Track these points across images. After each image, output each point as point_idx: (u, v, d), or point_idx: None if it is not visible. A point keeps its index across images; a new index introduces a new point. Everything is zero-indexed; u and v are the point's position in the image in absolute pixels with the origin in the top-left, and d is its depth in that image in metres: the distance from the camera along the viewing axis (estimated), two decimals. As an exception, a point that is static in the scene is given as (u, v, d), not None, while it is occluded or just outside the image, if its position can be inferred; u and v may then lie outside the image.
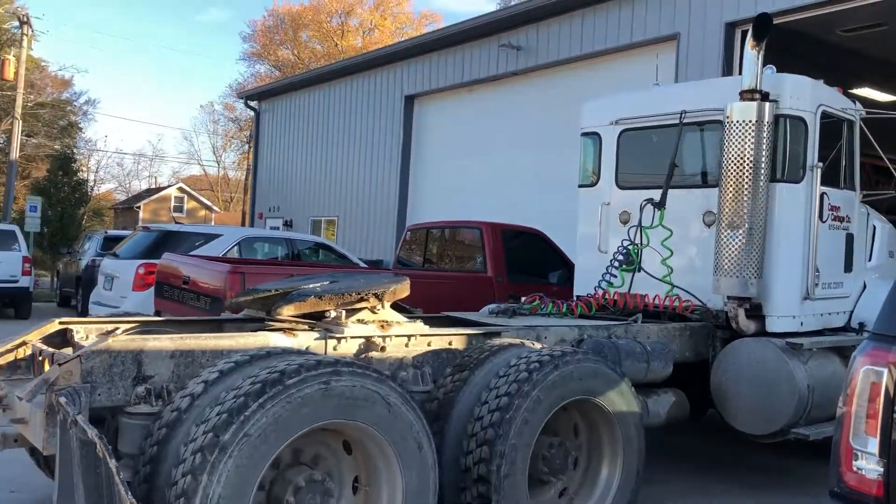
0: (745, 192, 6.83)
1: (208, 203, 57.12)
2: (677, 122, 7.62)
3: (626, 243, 7.70)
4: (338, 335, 5.10)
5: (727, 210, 6.91)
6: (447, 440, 5.00)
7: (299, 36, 53.68)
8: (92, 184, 53.23)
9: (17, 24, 39.43)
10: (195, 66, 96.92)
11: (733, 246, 6.89)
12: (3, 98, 44.84)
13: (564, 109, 14.78)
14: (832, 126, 7.70)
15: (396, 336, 5.34)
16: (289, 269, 8.53)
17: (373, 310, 5.33)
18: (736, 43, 14.39)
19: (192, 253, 11.15)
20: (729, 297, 7.02)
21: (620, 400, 5.47)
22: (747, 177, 6.83)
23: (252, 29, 58.27)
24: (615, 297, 7.59)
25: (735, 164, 6.86)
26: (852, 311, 7.93)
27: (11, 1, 50.56)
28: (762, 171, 6.86)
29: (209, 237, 13.06)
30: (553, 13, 17.73)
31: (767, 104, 6.91)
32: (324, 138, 27.13)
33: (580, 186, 8.61)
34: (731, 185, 6.89)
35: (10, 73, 34.54)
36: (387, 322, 5.34)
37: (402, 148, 23.03)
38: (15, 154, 34.76)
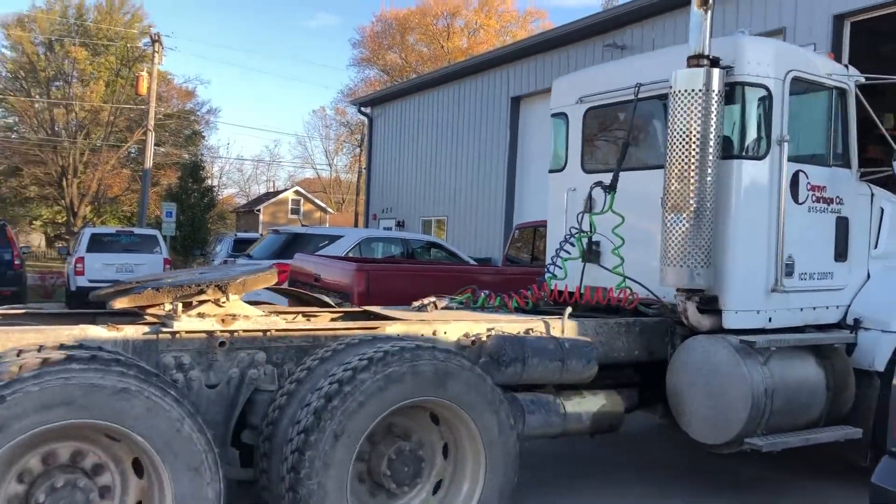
0: (692, 171, 5.92)
1: (322, 205, 58.26)
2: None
3: (573, 231, 6.90)
4: (170, 330, 4.66)
5: (672, 191, 6.01)
6: (274, 445, 4.48)
7: (406, 39, 53.89)
8: (217, 189, 55.33)
9: (148, 41, 41.47)
10: (307, 72, 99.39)
11: (677, 231, 5.99)
12: (136, 111, 47.26)
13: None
14: (815, 95, 6.66)
15: (246, 331, 4.86)
16: (405, 266, 9.50)
17: (217, 303, 4.86)
18: (845, 36, 13.50)
19: (317, 253, 11.73)
20: (678, 290, 6.13)
21: (480, 402, 4.77)
22: (694, 153, 5.91)
23: (361, 35, 59.18)
24: (567, 290, 6.80)
25: (680, 140, 5.96)
26: (849, 306, 6.82)
27: (142, 20, 53.28)
28: (711, 147, 5.93)
29: (333, 238, 13.83)
30: (657, 11, 17.14)
31: (717, 70, 5.97)
32: (433, 140, 27.46)
33: (549, 172, 7.84)
34: (676, 163, 5.99)
35: (143, 89, 36.37)
36: (232, 316, 4.85)
37: (508, 148, 23.10)
38: (149, 163, 36.48)
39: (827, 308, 6.70)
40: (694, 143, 5.90)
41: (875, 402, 6.42)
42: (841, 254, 6.74)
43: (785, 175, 6.22)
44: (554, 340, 5.64)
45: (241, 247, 21.31)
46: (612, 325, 6.23)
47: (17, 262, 19.93)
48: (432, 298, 6.30)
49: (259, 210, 56.01)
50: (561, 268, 6.80)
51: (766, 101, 6.19)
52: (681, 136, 5.94)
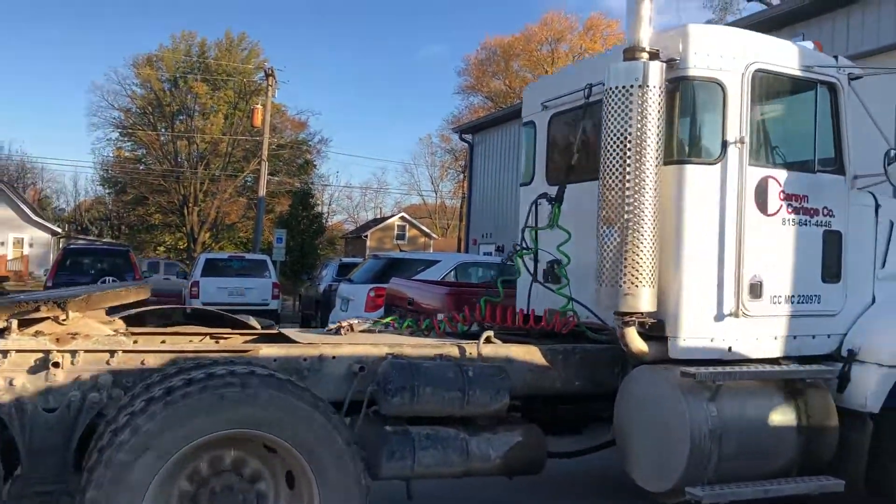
0: (628, 177, 5.13)
1: (427, 230, 58.27)
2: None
3: (515, 248, 6.19)
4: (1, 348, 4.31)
5: (606, 201, 5.24)
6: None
7: (510, 66, 53.45)
8: (326, 216, 56.43)
9: (263, 76, 42.91)
10: (415, 101, 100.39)
11: (609, 246, 5.21)
12: (252, 142, 48.92)
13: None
14: (793, 90, 5.74)
15: (87, 351, 4.45)
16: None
17: (57, 320, 4.48)
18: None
19: (414, 277, 11.94)
20: (615, 313, 5.32)
21: (311, 438, 4.15)
22: (630, 157, 5.13)
23: (466, 63, 59.14)
24: (522, 313, 6.09)
25: (615, 143, 5.18)
26: (845, 335, 5.79)
27: (258, 55, 55.27)
28: (650, 150, 5.13)
29: (429, 263, 14.17)
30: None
31: (656, 64, 5.18)
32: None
33: (520, 186, 7.14)
34: (610, 170, 5.21)
35: (258, 121, 37.76)
36: (72, 335, 4.47)
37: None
38: (263, 192, 37.66)
39: (813, 337, 5.69)
40: (630, 146, 5.12)
41: (866, 450, 5.39)
42: (832, 274, 5.74)
43: (746, 182, 5.33)
44: (456, 368, 4.97)
45: (345, 271, 21.39)
46: (544, 352, 5.48)
47: None
48: (353, 321, 5.75)
49: (366, 236, 56.68)
50: (498, 289, 6.10)
51: (720, 98, 5.33)
52: (615, 138, 5.17)
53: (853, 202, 5.84)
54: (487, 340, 5.40)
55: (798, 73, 5.62)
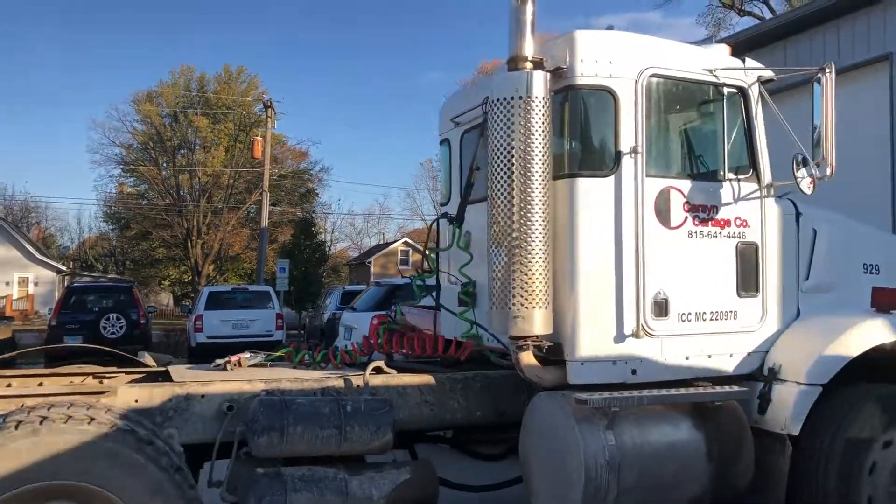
0: (515, 193, 4.82)
1: (430, 255, 57.87)
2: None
3: (418, 272, 5.88)
4: None
5: (493, 220, 4.93)
6: None
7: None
8: (329, 244, 56.26)
9: (262, 108, 42.98)
10: (415, 125, 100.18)
11: (498, 267, 4.90)
12: (253, 174, 48.93)
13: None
14: (697, 96, 5.43)
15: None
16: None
17: None
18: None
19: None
20: (509, 337, 4.99)
21: (122, 483, 3.82)
22: (516, 172, 4.82)
23: (461, 87, 59.12)
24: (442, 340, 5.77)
25: (500, 158, 4.88)
26: (767, 351, 5.43)
27: (257, 87, 55.46)
28: (537, 164, 4.82)
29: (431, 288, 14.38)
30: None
31: (539, 73, 4.89)
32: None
33: (440, 206, 6.85)
34: (497, 187, 4.91)
35: (259, 153, 37.78)
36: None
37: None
38: (265, 222, 37.55)
39: (731, 356, 5.34)
40: (515, 161, 4.82)
41: (786, 473, 5.02)
42: (749, 288, 5.39)
43: (643, 194, 5.01)
44: (333, 404, 4.65)
45: (348, 299, 21.55)
46: (441, 382, 5.16)
47: (142, 321, 21.01)
48: (244, 355, 5.45)
49: (370, 262, 56.37)
50: (396, 314, 5.79)
51: (611, 107, 5.02)
52: (500, 153, 4.87)
53: (770, 211, 5.50)
54: (379, 371, 5.09)
55: (700, 77, 5.31)
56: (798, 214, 5.66)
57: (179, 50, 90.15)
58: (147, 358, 5.67)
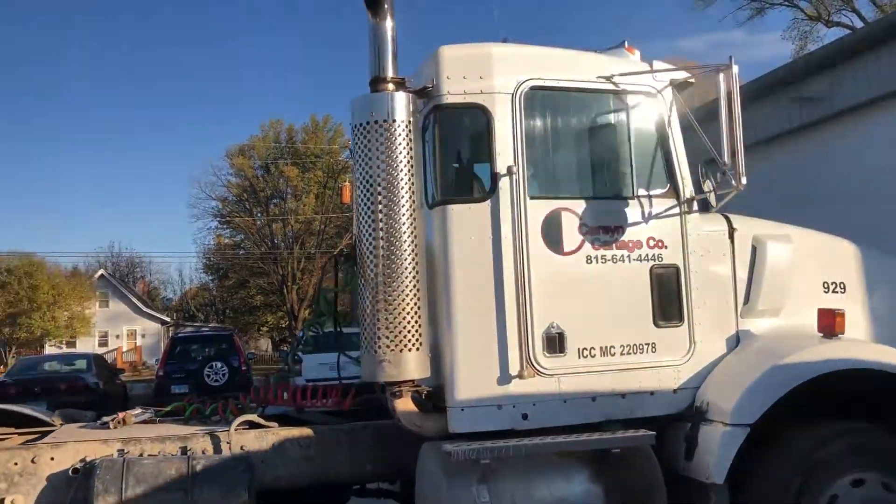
0: (379, 227, 4.41)
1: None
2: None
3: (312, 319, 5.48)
4: None
5: (360, 254, 4.52)
6: None
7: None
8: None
9: (348, 154, 43.67)
10: None
11: (365, 306, 4.46)
12: (343, 218, 49.73)
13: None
14: (588, 106, 4.88)
15: None
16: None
17: None
18: None
19: None
20: (385, 383, 4.52)
21: None
22: (381, 203, 4.41)
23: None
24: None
25: (362, 187, 4.48)
26: (698, 388, 4.76)
27: (343, 134, 56.62)
28: (402, 192, 4.40)
29: None
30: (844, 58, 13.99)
31: (401, 95, 4.48)
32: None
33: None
34: (361, 219, 4.51)
35: (347, 198, 38.32)
36: None
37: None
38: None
39: (651, 394, 4.70)
40: (379, 189, 4.41)
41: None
42: (669, 316, 4.76)
43: (527, 218, 4.49)
44: (181, 464, 4.30)
45: None
46: (322, 433, 4.73)
47: (243, 368, 21.50)
48: (134, 411, 5.18)
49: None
50: (296, 360, 5.40)
51: (484, 125, 4.54)
52: (362, 182, 4.47)
53: (694, 229, 4.86)
54: (252, 425, 4.71)
55: (595, 86, 4.77)
56: (732, 230, 4.98)
57: (268, 106, 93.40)
58: (53, 418, 5.47)
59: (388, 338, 4.35)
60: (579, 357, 4.56)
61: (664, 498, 4.37)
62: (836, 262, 5.32)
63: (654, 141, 4.87)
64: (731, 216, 5.05)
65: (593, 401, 4.59)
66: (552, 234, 4.57)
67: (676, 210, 4.84)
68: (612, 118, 4.85)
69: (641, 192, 4.77)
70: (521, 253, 4.46)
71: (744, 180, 4.53)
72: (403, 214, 4.40)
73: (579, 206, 4.64)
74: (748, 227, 5.06)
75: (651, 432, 4.44)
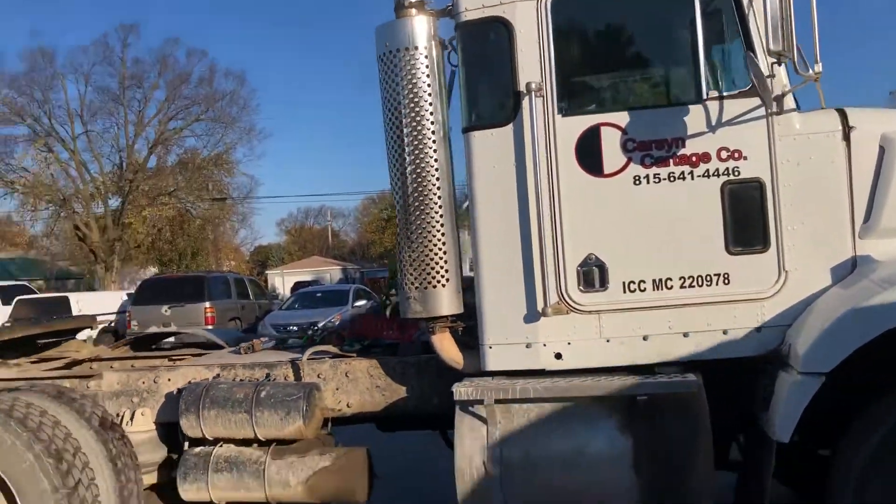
0: (407, 158, 4.28)
1: None
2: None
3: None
4: None
5: (392, 188, 4.42)
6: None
7: None
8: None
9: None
10: None
11: (400, 241, 4.38)
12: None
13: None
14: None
15: None
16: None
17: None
18: None
19: None
20: (424, 319, 4.41)
21: (14, 466, 4.26)
22: (407, 133, 4.26)
23: None
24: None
25: (390, 118, 4.34)
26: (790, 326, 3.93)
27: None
28: (426, 121, 4.22)
29: None
30: None
31: (421, 19, 4.24)
32: None
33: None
34: (390, 151, 4.40)
35: None
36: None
37: None
38: None
39: (724, 332, 3.99)
40: (405, 120, 4.27)
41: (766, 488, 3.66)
42: (749, 241, 3.97)
43: (557, 138, 4.02)
44: (248, 389, 4.67)
45: None
46: (391, 366, 4.80)
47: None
48: (263, 339, 5.75)
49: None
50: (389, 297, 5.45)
51: (506, 40, 4.10)
52: (388, 112, 4.35)
53: (787, 131, 3.94)
54: (325, 355, 4.95)
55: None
56: (849, 129, 3.94)
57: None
58: (220, 341, 6.24)
59: (412, 274, 4.26)
60: (625, 291, 4.02)
61: (707, 460, 3.74)
62: None
63: (728, 27, 4.01)
64: (849, 109, 3.99)
65: (644, 340, 4.02)
66: (589, 154, 4.03)
67: (761, 111, 3.94)
68: (669, 6, 4.06)
69: (711, 93, 3.96)
70: (550, 178, 4.02)
71: (819, 67, 3.56)
72: (428, 146, 4.22)
73: (623, 119, 4.01)
74: (872, 122, 3.96)
75: (692, 379, 3.79)
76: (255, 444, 4.71)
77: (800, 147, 3.94)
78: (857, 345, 3.47)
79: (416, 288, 4.24)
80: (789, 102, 3.95)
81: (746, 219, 3.95)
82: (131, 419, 5.02)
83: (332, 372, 4.85)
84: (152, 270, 45.50)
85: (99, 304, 20.81)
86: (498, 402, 3.92)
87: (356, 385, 4.82)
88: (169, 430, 5.04)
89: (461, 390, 3.96)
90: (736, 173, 3.95)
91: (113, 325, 20.28)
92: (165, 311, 18.72)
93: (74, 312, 19.39)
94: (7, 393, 4.68)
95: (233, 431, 4.66)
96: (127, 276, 46.69)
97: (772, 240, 3.93)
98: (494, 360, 4.16)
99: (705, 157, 3.97)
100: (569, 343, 4.06)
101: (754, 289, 3.95)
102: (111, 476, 4.51)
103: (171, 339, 7.37)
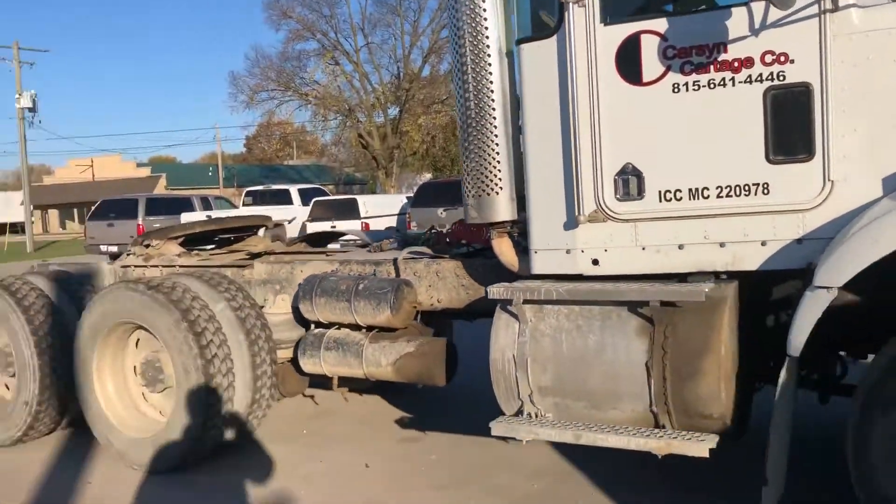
0: (467, 75, 4.54)
1: None
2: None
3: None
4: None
5: (457, 100, 4.70)
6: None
7: None
8: None
9: None
10: None
11: (463, 151, 4.68)
12: None
13: None
14: None
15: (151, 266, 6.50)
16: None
17: (147, 247, 6.63)
18: None
19: None
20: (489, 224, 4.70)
21: (165, 330, 5.25)
22: (467, 48, 4.49)
23: None
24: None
25: (452, 38, 4.60)
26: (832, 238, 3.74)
27: None
28: (482, 36, 4.43)
29: None
30: None
31: (478, -65, 4.39)
32: None
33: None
34: (454, 71, 4.67)
35: None
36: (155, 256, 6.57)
37: None
38: None
39: (763, 244, 3.88)
40: (465, 36, 4.51)
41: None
42: (793, 148, 3.79)
43: (597, 48, 4.06)
44: (350, 282, 5.31)
45: None
46: (476, 266, 5.19)
47: None
48: (387, 240, 6.38)
49: None
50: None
51: (548, -51, 4.15)
52: (452, 32, 4.62)
53: (843, 30, 3.66)
54: (420, 255, 5.45)
55: None
56: (909, 24, 3.56)
57: None
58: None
59: (470, 183, 4.56)
60: (661, 200, 4.02)
61: (719, 366, 3.73)
62: None
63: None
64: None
65: (680, 248, 4.03)
66: (629, 62, 4.01)
67: (813, 9, 3.68)
68: None
69: None
70: (591, 89, 4.08)
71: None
72: (485, 60, 4.44)
73: (663, 25, 3.93)
74: (947, 14, 3.52)
75: (700, 288, 3.76)
76: (360, 330, 5.38)
77: (857, 46, 3.62)
78: (871, 260, 3.26)
79: (473, 196, 4.56)
80: (848, -3, 3.63)
81: (790, 126, 3.75)
82: (273, 303, 5.92)
83: (426, 271, 5.34)
84: (427, 176, 48.34)
85: (382, 205, 23.02)
86: (526, 301, 4.18)
87: (445, 283, 5.27)
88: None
89: (494, 290, 4.28)
90: (781, 78, 3.74)
91: (289, 223, 22.07)
92: (441, 213, 20.11)
93: (361, 213, 21.47)
94: (170, 276, 5.77)
95: (338, 317, 5.35)
96: (404, 181, 50.10)
97: (817, 148, 3.70)
98: (539, 264, 4.39)
99: (748, 62, 3.79)
100: (605, 250, 4.17)
101: (796, 199, 3.77)
102: (245, 343, 5.42)
103: (348, 236, 8.30)
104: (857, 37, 3.62)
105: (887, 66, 3.59)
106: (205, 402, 5.15)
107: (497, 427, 4.22)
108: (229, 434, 5.43)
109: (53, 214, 68.89)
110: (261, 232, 7.78)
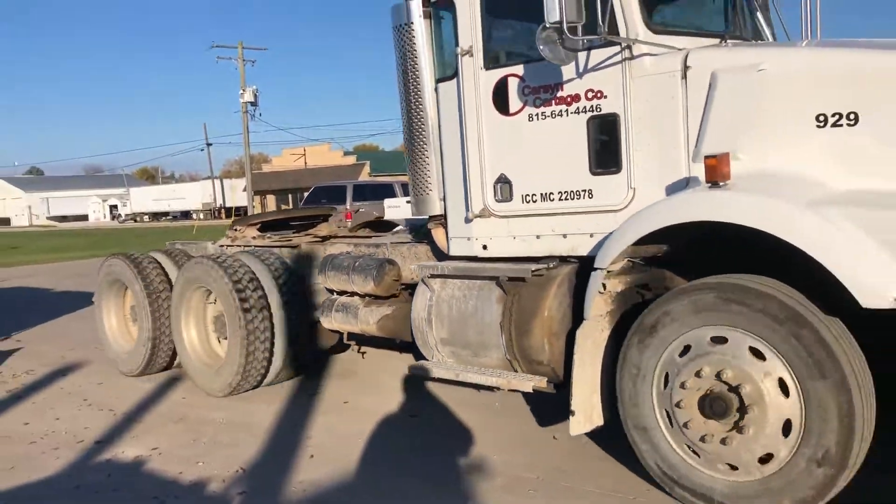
0: (410, 104, 5.99)
1: None
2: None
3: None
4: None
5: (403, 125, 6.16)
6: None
7: None
8: None
9: None
10: None
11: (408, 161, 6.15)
12: None
13: None
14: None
15: (236, 246, 8.45)
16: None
17: (235, 231, 8.59)
18: None
19: None
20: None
21: (220, 292, 7.10)
22: (409, 83, 5.94)
23: None
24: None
25: (399, 75, 6.06)
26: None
27: None
28: (420, 74, 5.86)
29: None
30: None
31: (416, 2, 5.81)
32: None
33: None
34: (401, 99, 6.11)
35: None
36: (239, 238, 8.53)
37: None
38: None
39: (591, 236, 5.07)
40: (409, 73, 5.97)
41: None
42: (605, 164, 4.96)
43: (480, 88, 5.39)
44: (351, 260, 6.91)
45: None
46: (436, 251, 6.61)
47: None
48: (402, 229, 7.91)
49: None
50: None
51: (452, 14, 5.50)
52: (399, 70, 6.05)
53: (639, 74, 4.79)
54: (414, 240, 6.94)
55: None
56: (686, 69, 4.61)
57: None
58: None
59: (412, 185, 6.02)
60: (523, 202, 5.30)
61: (546, 323, 4.97)
62: (843, 84, 4.18)
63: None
64: (693, 50, 4.61)
65: (537, 238, 5.28)
66: (501, 98, 5.31)
67: (618, 58, 4.81)
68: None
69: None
70: (478, 117, 5.42)
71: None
72: (421, 94, 5.87)
73: (521, 70, 5.19)
74: (710, 60, 4.54)
75: (527, 268, 5.01)
76: (359, 297, 6.98)
77: (647, 86, 4.72)
78: (619, 249, 4.43)
79: (414, 195, 6.02)
80: (642, 49, 4.72)
81: (605, 146, 4.90)
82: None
83: (408, 252, 6.80)
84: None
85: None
86: (432, 276, 5.61)
87: (419, 262, 6.74)
88: (332, 284, 7.56)
89: (413, 268, 5.73)
90: (598, 109, 4.90)
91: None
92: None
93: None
94: (234, 254, 7.69)
95: (342, 286, 6.98)
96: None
97: (623, 163, 4.83)
98: (454, 247, 5.78)
99: (576, 98, 4.99)
100: (490, 238, 5.50)
101: (610, 202, 4.92)
102: (282, 305, 7.19)
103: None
104: (648, 78, 4.71)
105: (667, 102, 4.66)
106: (245, 348, 6.99)
107: (414, 368, 5.69)
108: (270, 375, 7.23)
109: (271, 199, 76.01)
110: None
